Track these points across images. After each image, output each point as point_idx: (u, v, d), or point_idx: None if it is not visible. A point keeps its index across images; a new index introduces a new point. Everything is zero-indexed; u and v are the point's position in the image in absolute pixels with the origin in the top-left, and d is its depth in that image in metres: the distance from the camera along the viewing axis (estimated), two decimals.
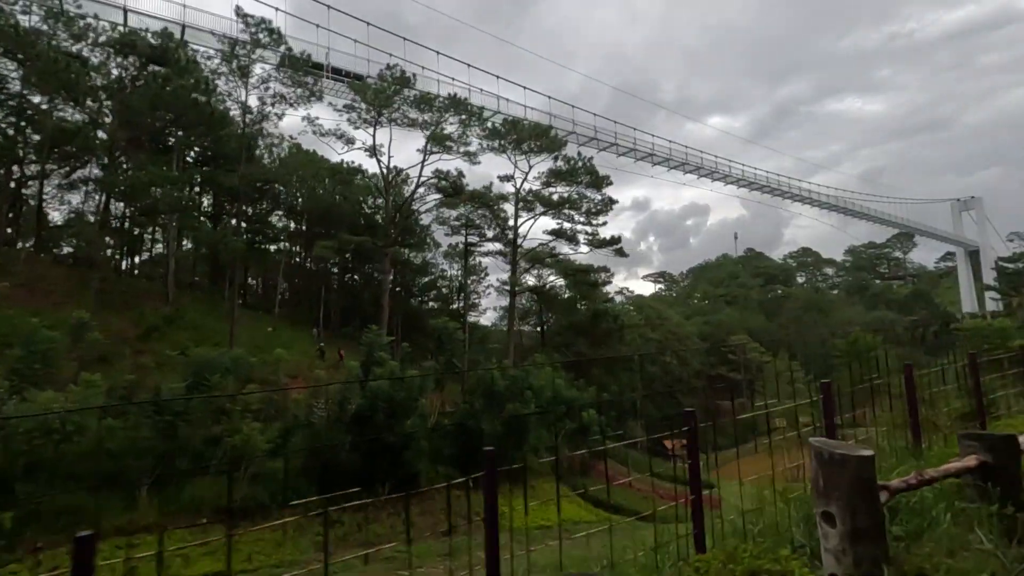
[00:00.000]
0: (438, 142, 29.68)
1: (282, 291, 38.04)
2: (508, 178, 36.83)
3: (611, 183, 37.23)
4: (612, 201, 38.08)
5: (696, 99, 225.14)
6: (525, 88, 33.06)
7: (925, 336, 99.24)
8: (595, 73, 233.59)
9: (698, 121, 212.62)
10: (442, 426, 22.05)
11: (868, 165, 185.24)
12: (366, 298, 45.07)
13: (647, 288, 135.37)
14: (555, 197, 35.84)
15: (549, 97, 35.99)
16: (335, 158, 33.31)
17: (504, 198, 36.58)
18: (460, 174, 33.29)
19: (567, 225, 38.97)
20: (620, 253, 41.41)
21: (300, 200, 35.56)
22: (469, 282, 51.78)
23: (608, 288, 62.05)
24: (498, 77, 32.04)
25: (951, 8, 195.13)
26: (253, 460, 15.62)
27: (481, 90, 32.42)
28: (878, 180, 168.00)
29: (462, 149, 31.18)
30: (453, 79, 30.17)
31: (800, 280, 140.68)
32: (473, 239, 43.40)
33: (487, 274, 50.18)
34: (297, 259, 40.77)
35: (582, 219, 38.79)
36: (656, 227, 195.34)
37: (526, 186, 37.17)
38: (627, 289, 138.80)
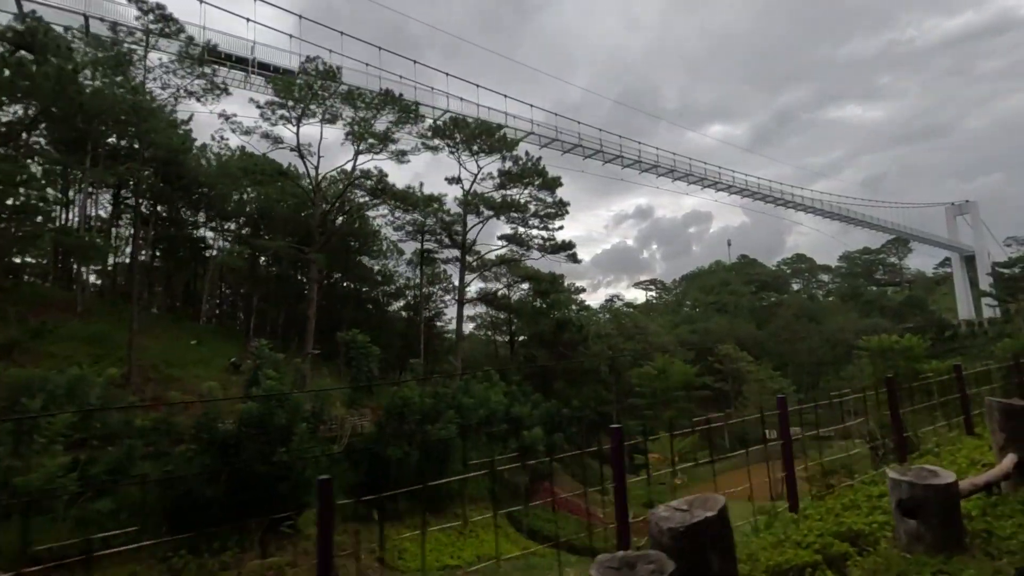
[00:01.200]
0: (359, 139, 27.34)
1: (221, 300, 35.85)
2: (456, 180, 34.60)
3: (561, 184, 34.96)
4: (564, 203, 35.72)
5: (697, 106, 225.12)
6: (532, 106, 34.60)
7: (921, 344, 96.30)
8: (597, 81, 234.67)
9: (699, 129, 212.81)
10: (346, 451, 19.63)
11: (870, 171, 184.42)
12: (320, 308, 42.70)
13: (639, 295, 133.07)
14: (506, 200, 33.35)
15: (555, 114, 37.25)
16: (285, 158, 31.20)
17: (434, 199, 34.22)
18: (383, 173, 31.06)
19: (521, 230, 36.72)
20: (573, 259, 38.98)
21: (235, 203, 33.36)
22: (435, 290, 49.47)
23: (583, 296, 59.69)
24: (506, 96, 33.71)
25: (950, 15, 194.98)
26: (84, 496, 13.30)
27: (489, 109, 33.24)
28: (880, 186, 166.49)
29: (392, 148, 28.92)
30: (462, 98, 31.36)
31: (797, 287, 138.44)
32: (432, 245, 41.16)
33: (452, 282, 47.94)
34: (239, 267, 38.52)
35: (537, 223, 36.51)
36: (659, 235, 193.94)
37: (480, 189, 35.00)
38: (618, 297, 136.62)
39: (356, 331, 24.57)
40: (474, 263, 41.36)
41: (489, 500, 26.85)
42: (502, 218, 35.46)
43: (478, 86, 32.78)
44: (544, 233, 37.05)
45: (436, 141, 31.85)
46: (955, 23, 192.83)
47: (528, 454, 27.98)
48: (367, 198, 30.34)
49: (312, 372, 26.10)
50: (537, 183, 33.87)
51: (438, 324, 53.02)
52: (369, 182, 29.56)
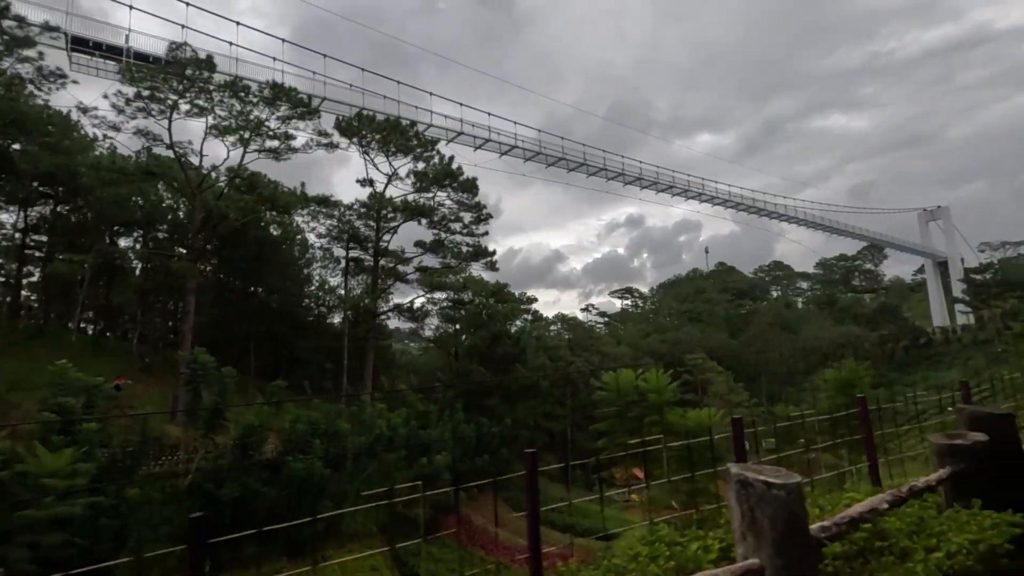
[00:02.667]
0: (225, 133, 24.65)
1: (108, 315, 32.88)
2: (368, 182, 31.91)
3: (477, 188, 32.36)
4: (482, 207, 33.09)
5: (686, 117, 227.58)
6: (515, 123, 36.25)
7: (895, 352, 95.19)
8: (588, 92, 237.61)
9: (689, 139, 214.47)
10: (170, 490, 16.84)
11: (856, 180, 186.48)
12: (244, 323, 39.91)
13: (615, 305, 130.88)
14: (414, 204, 30.64)
15: (539, 129, 38.81)
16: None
17: (314, 201, 31.46)
18: (251, 173, 28.16)
19: (447, 236, 33.98)
20: (491, 267, 36.33)
21: (127, 207, 30.51)
22: (368, 302, 46.60)
23: (535, 307, 57.17)
24: (489, 114, 34.43)
25: (929, 27, 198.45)
26: None
27: (474, 125, 34.37)
28: (867, 194, 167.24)
29: (274, 144, 26.24)
30: (446, 116, 32.68)
31: (776, 294, 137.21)
32: (359, 253, 38.44)
33: (391, 292, 45.17)
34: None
35: (460, 229, 33.83)
36: (650, 243, 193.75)
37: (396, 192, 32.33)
38: (592, 306, 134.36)
39: (201, 350, 21.80)
40: (409, 272, 38.84)
41: (378, 537, 24.01)
42: (423, 223, 32.83)
43: (461, 104, 33.51)
44: (470, 240, 34.57)
45: (343, 140, 29.29)
46: (935, 35, 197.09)
47: (432, 482, 25.26)
48: (256, 202, 27.61)
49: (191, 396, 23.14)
50: (453, 185, 31.27)
51: (383, 341, 50.26)
52: (238, 179, 26.71)
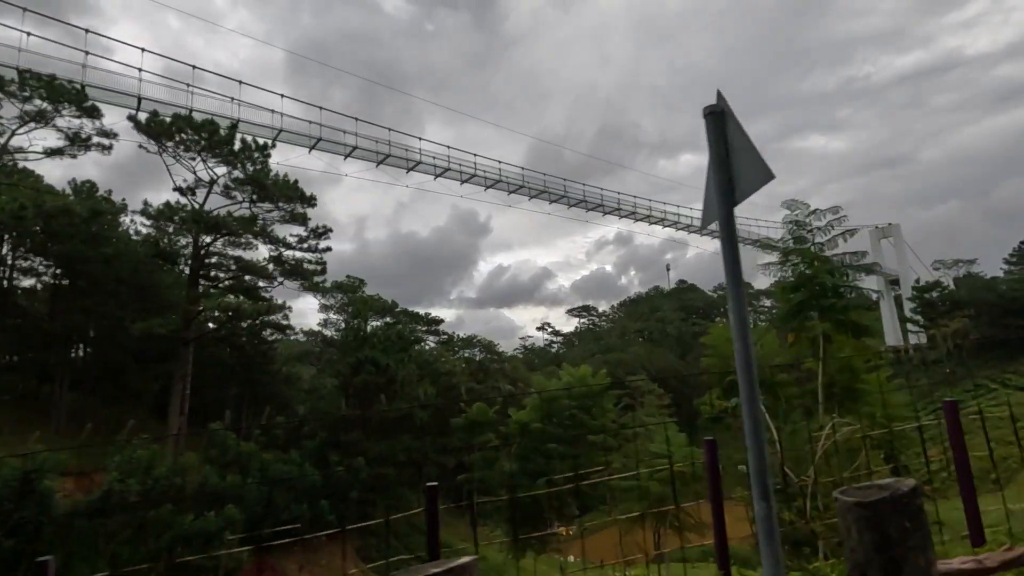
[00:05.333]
0: None
1: None
2: (188, 190, 28.22)
3: (314, 204, 28.98)
4: (305, 218, 29.67)
5: (669, 137, 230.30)
6: (500, 162, 38.55)
7: None
8: (572, 112, 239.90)
9: (672, 158, 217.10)
10: None
11: (835, 200, 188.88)
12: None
13: (571, 324, 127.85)
14: (220, 218, 26.99)
15: (523, 168, 40.83)
16: None
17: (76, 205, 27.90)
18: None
19: (286, 252, 30.56)
20: (313, 288, 32.67)
21: None
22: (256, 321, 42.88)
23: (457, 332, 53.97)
24: (475, 155, 36.55)
25: (901, 53, 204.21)
26: None
27: (460, 163, 36.14)
28: (847, 214, 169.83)
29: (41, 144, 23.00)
30: (435, 156, 34.45)
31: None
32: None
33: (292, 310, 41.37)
34: None
35: (295, 243, 30.49)
36: (637, 260, 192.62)
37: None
38: (548, 325, 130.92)
39: None
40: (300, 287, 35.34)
41: None
42: (232, 236, 29.09)
43: (448, 147, 35.55)
44: (311, 255, 31.17)
45: (150, 142, 25.84)
46: (907, 60, 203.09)
47: (214, 540, 21.62)
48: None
49: None
50: (283, 196, 27.92)
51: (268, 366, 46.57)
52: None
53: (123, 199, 32.42)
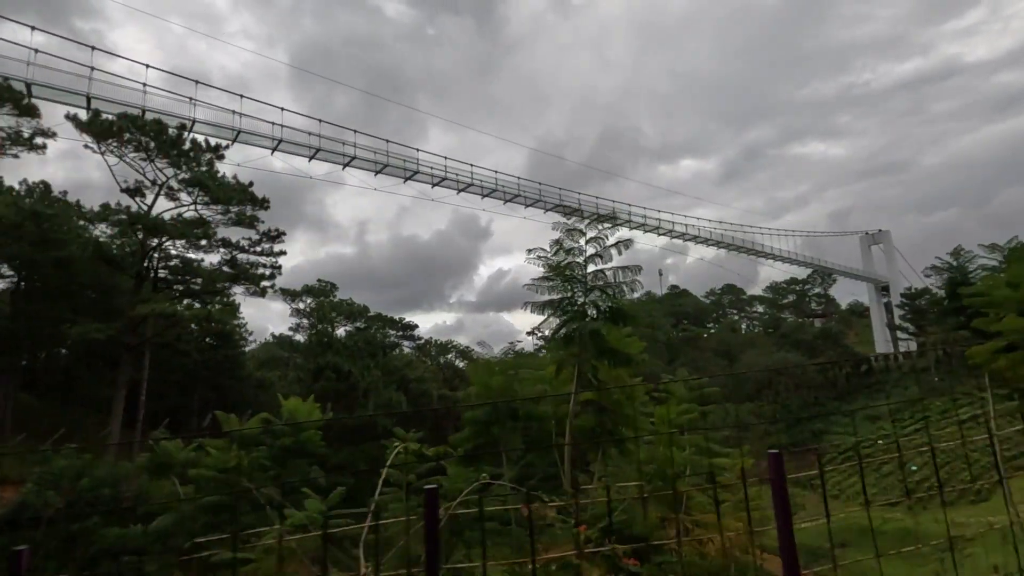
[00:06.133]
0: None
1: None
2: (135, 191, 27.41)
3: (267, 207, 28.12)
4: (255, 221, 28.88)
5: (669, 142, 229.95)
6: (496, 172, 39.86)
7: (837, 380, 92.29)
8: (574, 116, 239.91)
9: (672, 163, 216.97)
10: None
11: (835, 205, 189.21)
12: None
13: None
14: (162, 222, 26.29)
15: (518, 177, 41.69)
16: None
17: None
18: None
19: (242, 257, 29.81)
20: (261, 293, 31.84)
21: None
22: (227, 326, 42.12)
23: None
24: (472, 165, 37.89)
25: (900, 60, 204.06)
26: None
27: (457, 174, 37.22)
28: (846, 220, 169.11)
29: None
30: (432, 167, 35.60)
31: (735, 318, 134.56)
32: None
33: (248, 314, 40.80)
34: None
35: (248, 247, 29.73)
36: (640, 263, 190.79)
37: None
38: (537, 330, 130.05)
39: None
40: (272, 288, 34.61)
41: None
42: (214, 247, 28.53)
43: (445, 157, 36.49)
44: (264, 260, 30.39)
45: (92, 142, 25.15)
46: (906, 68, 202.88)
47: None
48: None
49: None
50: (235, 199, 27.26)
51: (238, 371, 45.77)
52: None
53: (77, 200, 31.80)
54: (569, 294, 14.88)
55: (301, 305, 44.17)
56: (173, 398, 43.47)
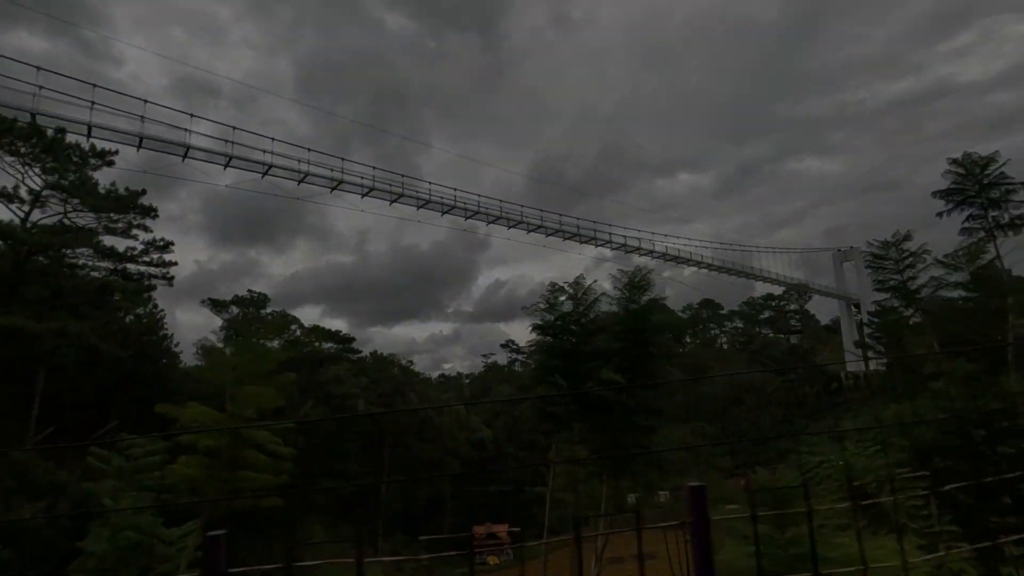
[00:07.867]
0: None
1: None
2: (9, 198, 26.10)
3: (155, 216, 27.06)
4: (129, 229, 27.68)
5: (667, 157, 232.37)
6: (479, 195, 42.19)
7: (806, 398, 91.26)
8: (574, 131, 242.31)
9: (670, 178, 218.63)
10: None
11: (830, 222, 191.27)
12: None
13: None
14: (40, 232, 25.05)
15: (500, 200, 43.82)
16: None
17: None
18: None
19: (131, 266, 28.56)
20: (143, 303, 30.56)
21: None
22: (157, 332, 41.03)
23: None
24: (455, 189, 40.42)
25: (894, 80, 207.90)
26: None
27: (454, 190, 39.87)
28: (841, 236, 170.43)
29: None
30: (417, 191, 37.97)
31: (714, 332, 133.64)
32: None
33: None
34: None
35: (137, 254, 28.47)
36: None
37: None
38: (512, 343, 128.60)
39: None
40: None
41: None
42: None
43: (430, 182, 39.06)
44: (155, 270, 29.12)
45: None
46: (900, 87, 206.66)
47: None
48: None
49: None
50: (83, 203, 25.90)
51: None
52: None
53: None
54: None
55: (227, 316, 42.85)
56: (90, 413, 41.82)
